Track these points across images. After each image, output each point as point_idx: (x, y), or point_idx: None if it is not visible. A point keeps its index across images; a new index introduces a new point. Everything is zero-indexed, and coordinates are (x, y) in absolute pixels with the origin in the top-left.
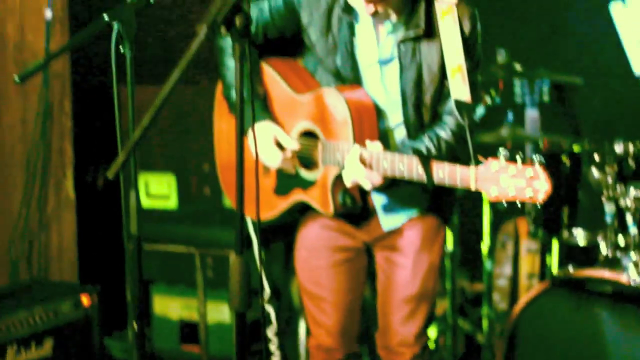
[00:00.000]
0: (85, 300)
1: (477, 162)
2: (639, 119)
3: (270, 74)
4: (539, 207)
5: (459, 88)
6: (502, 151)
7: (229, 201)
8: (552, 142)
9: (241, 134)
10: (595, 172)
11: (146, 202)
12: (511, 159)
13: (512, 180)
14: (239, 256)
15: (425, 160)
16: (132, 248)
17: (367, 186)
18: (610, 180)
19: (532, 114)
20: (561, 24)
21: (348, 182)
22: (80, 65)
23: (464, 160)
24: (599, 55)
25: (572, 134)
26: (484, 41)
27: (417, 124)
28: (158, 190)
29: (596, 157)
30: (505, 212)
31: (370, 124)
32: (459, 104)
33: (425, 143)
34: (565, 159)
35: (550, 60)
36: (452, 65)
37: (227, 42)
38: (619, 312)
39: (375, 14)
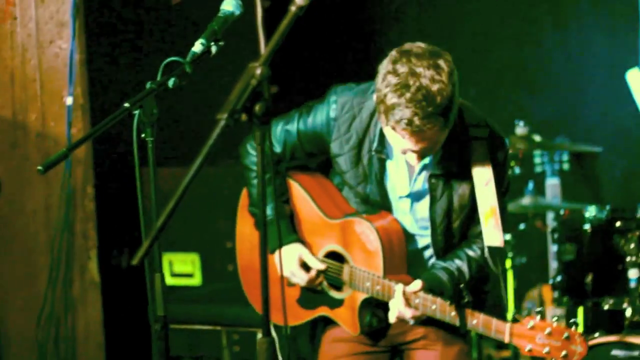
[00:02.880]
0: None
1: (513, 319)
2: None
3: (298, 192)
4: (564, 274)
5: (493, 234)
6: (536, 310)
7: (247, 297)
8: (573, 210)
9: (265, 250)
10: (617, 239)
11: (170, 281)
12: (542, 314)
13: (547, 339)
14: (266, 337)
15: (461, 307)
16: (159, 329)
17: (411, 323)
18: (633, 245)
19: (552, 183)
20: (579, 93)
21: (393, 319)
22: (102, 150)
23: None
24: (618, 122)
25: (594, 201)
26: (503, 113)
27: (445, 248)
28: (182, 269)
29: (618, 224)
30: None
31: (400, 250)
32: (492, 251)
33: (457, 264)
34: (587, 227)
35: (570, 129)
36: (484, 208)
37: (251, 161)
38: None
39: (420, 160)
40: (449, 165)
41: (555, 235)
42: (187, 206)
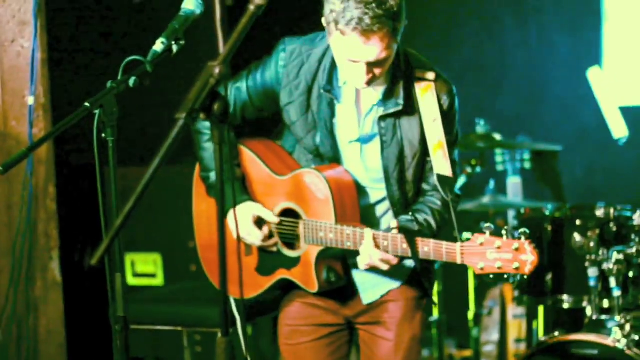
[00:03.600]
0: None
1: (462, 238)
2: (619, 183)
3: (249, 155)
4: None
5: (441, 164)
6: (487, 225)
7: (208, 276)
8: (534, 209)
9: (222, 216)
10: (577, 237)
11: (133, 281)
12: (496, 231)
13: (498, 253)
14: (224, 337)
15: (410, 236)
16: (120, 330)
17: (384, 268)
18: (592, 244)
19: (513, 182)
20: (540, 91)
21: (362, 266)
22: (64, 149)
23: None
24: (578, 120)
25: (554, 199)
26: (463, 112)
27: (402, 200)
28: (145, 269)
29: (578, 222)
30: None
31: (351, 201)
32: (442, 179)
33: (423, 216)
34: (547, 225)
35: (530, 128)
36: (433, 142)
37: (203, 125)
38: None
39: (370, 82)
40: (396, 105)
41: (516, 234)
42: (150, 206)
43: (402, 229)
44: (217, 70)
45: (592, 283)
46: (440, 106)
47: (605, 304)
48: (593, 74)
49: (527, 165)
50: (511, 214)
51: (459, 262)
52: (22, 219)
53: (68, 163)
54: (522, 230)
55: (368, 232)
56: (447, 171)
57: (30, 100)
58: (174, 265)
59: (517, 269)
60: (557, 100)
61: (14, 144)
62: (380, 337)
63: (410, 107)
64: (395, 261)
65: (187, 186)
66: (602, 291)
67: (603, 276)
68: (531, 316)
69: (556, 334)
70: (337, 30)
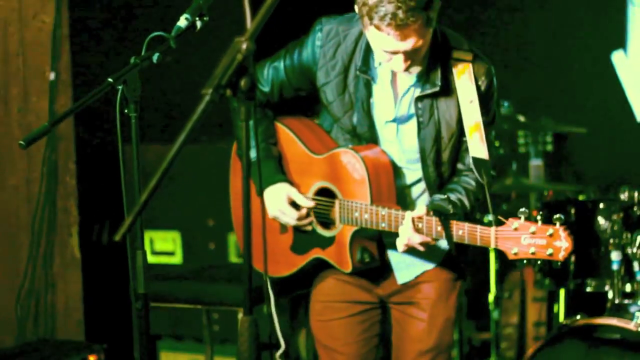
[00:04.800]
0: (92, 358)
1: (498, 221)
2: None
3: (286, 134)
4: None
5: (477, 146)
6: (522, 210)
7: (238, 256)
8: (557, 192)
9: (247, 195)
10: (601, 221)
11: (151, 259)
12: (529, 217)
13: (532, 239)
14: (248, 316)
15: (445, 218)
16: (139, 307)
17: (421, 249)
18: (616, 228)
19: (536, 164)
20: (564, 74)
21: (401, 248)
22: (84, 126)
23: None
24: (602, 104)
25: (577, 182)
26: None
27: (437, 181)
28: (163, 247)
29: (602, 206)
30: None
31: (387, 182)
32: (477, 162)
33: (457, 196)
34: (570, 208)
35: (554, 110)
36: (469, 124)
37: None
38: None
39: (408, 68)
40: (433, 86)
41: (538, 217)
42: (170, 184)
43: (435, 211)
44: (244, 46)
45: (615, 267)
46: (478, 87)
47: (628, 287)
48: (617, 57)
49: (550, 147)
50: (534, 196)
51: (492, 246)
52: (41, 195)
53: (88, 139)
54: (557, 215)
55: (408, 215)
56: (483, 154)
57: (52, 75)
58: (193, 243)
59: (550, 255)
60: (581, 82)
61: (34, 119)
62: (414, 317)
63: (448, 88)
64: (432, 242)
65: (207, 164)
66: (625, 275)
67: (626, 260)
68: (552, 299)
69: (577, 317)
70: (371, 25)
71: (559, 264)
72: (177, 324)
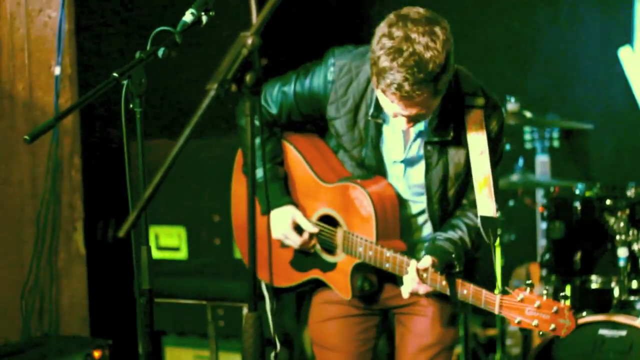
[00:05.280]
0: (97, 354)
1: (504, 291)
2: None
3: (293, 154)
4: (552, 252)
5: (486, 204)
6: (529, 282)
7: (241, 254)
8: (563, 188)
9: (252, 199)
10: (607, 217)
11: (156, 254)
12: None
13: (537, 312)
14: (253, 312)
15: (451, 276)
16: (144, 302)
17: (424, 294)
18: (622, 224)
19: (542, 160)
20: (570, 70)
21: (406, 295)
22: (90, 121)
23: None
24: (609, 100)
25: (584, 179)
26: (494, 89)
27: (441, 215)
28: (168, 242)
29: (608, 202)
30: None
31: (393, 215)
32: (485, 221)
33: (459, 234)
34: (576, 204)
35: (560, 106)
36: (478, 179)
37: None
38: (633, 357)
39: (411, 126)
40: (444, 133)
41: (545, 213)
42: (175, 179)
43: (439, 259)
44: (249, 41)
45: (621, 263)
46: (489, 132)
47: (634, 284)
48: (625, 53)
49: (556, 143)
50: (540, 192)
51: (496, 312)
52: (46, 190)
53: (94, 134)
54: (563, 293)
55: (413, 265)
56: (492, 211)
57: (57, 70)
58: (198, 238)
59: (553, 330)
60: (588, 78)
61: (39, 114)
62: (417, 314)
63: (459, 137)
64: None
65: (213, 159)
66: (631, 272)
67: (632, 256)
68: (558, 295)
69: (583, 314)
70: (378, 88)
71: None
72: (182, 319)
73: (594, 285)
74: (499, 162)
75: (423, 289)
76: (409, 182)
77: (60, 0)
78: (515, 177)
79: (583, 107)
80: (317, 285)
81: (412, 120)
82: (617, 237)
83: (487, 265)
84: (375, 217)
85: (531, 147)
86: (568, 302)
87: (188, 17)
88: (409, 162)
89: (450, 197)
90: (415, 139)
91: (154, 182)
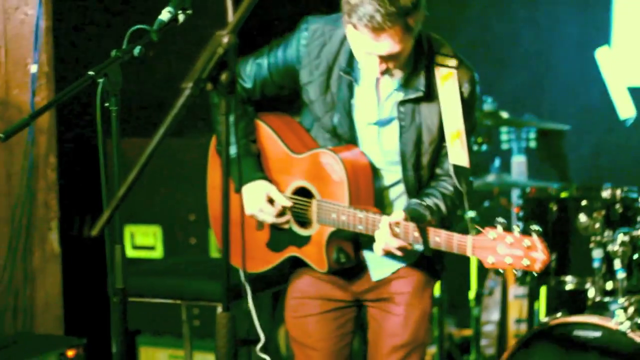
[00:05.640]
0: (70, 353)
1: (475, 230)
2: (626, 164)
3: (266, 131)
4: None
5: (458, 153)
6: (500, 220)
7: (218, 246)
8: (539, 188)
9: (226, 189)
10: (583, 218)
11: (132, 253)
12: (508, 227)
13: (509, 249)
14: (225, 312)
15: (423, 225)
16: (118, 301)
17: (399, 254)
18: (598, 225)
19: (518, 160)
20: (547, 70)
21: (379, 252)
22: (66, 119)
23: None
24: (586, 101)
25: (560, 179)
26: None
27: (416, 184)
28: (144, 241)
29: (584, 203)
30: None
31: (366, 183)
32: (458, 170)
33: (434, 200)
34: (552, 205)
35: (537, 107)
36: (451, 130)
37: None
38: (608, 358)
39: (384, 73)
40: (416, 91)
41: (520, 213)
42: (151, 178)
43: (412, 217)
44: (225, 40)
45: (596, 264)
46: (461, 93)
47: (609, 285)
48: (601, 54)
49: (533, 144)
50: (515, 193)
51: (469, 254)
52: (21, 189)
53: (69, 133)
54: (534, 227)
55: (385, 220)
56: (464, 161)
57: (33, 68)
58: (173, 237)
59: (527, 266)
60: (565, 79)
61: (15, 112)
62: (389, 313)
63: (431, 94)
64: (409, 246)
65: (189, 159)
66: (606, 273)
67: (607, 258)
68: (533, 297)
69: (558, 315)
70: (349, 23)
71: (535, 274)
72: (157, 319)
73: (568, 286)
74: (473, 131)
75: (396, 243)
76: (382, 147)
77: None
78: (491, 178)
79: (560, 108)
80: (294, 266)
81: (386, 60)
82: (593, 238)
83: (462, 266)
84: (347, 181)
85: (508, 148)
86: (540, 235)
87: (165, 15)
88: (381, 124)
89: (425, 164)
90: (387, 98)
91: (128, 181)
